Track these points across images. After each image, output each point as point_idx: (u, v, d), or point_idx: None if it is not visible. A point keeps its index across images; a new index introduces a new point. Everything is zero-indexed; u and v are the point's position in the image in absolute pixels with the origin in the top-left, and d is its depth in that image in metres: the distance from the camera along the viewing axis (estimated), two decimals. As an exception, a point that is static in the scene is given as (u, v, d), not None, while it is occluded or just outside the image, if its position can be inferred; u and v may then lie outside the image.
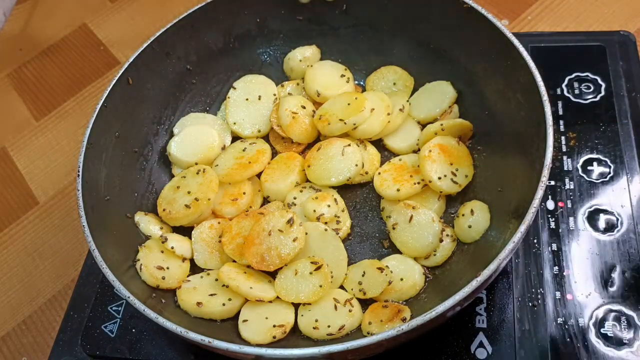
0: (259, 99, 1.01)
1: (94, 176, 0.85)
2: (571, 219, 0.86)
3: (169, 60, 0.99)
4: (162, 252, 0.85)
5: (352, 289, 0.82)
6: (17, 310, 1.01)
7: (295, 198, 0.91)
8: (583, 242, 0.84)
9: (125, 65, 0.91)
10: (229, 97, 1.01)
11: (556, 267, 0.82)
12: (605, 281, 0.80)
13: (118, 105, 0.90)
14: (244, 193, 0.92)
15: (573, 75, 0.99)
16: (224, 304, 0.80)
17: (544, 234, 0.85)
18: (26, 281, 1.04)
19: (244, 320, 0.79)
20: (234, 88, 1.02)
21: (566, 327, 0.78)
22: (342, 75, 1.01)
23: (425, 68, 0.99)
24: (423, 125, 0.96)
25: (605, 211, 0.86)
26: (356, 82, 1.04)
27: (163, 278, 0.82)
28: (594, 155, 0.91)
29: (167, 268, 0.83)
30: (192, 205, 0.87)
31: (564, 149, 0.92)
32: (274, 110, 0.98)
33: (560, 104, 0.97)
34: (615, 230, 0.84)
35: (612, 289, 0.79)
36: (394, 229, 0.85)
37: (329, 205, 0.87)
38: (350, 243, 0.89)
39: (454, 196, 0.88)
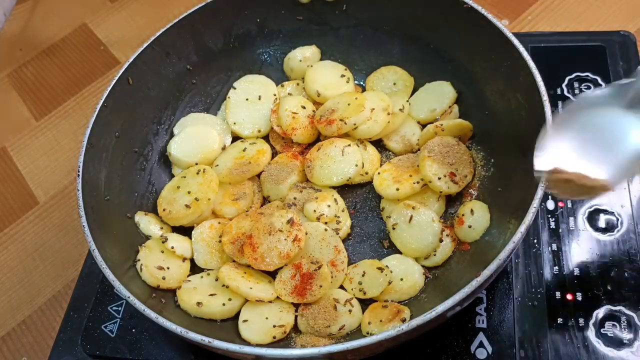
0: (259, 99, 1.01)
1: (94, 176, 0.85)
2: (571, 219, 0.86)
3: (169, 60, 0.99)
4: (163, 252, 0.85)
5: (352, 289, 0.82)
6: (17, 310, 1.01)
7: (295, 198, 0.91)
8: (583, 242, 0.84)
9: (125, 65, 0.91)
10: (229, 97, 1.01)
11: (556, 267, 0.82)
12: (605, 281, 0.80)
13: (118, 105, 0.90)
14: (244, 193, 0.92)
15: (573, 75, 0.99)
16: (224, 304, 0.80)
17: (544, 234, 0.85)
18: (26, 281, 1.04)
19: (244, 320, 0.79)
20: (234, 88, 1.02)
21: (566, 327, 0.78)
22: (342, 75, 1.01)
23: (425, 68, 0.99)
24: (423, 125, 0.96)
25: (605, 211, 0.86)
26: (356, 82, 1.04)
27: (163, 278, 0.82)
28: (594, 155, 0.91)
29: (168, 268, 0.83)
30: (192, 205, 0.87)
31: (564, 149, 0.92)
32: (274, 111, 0.98)
33: (560, 104, 0.97)
34: (615, 230, 0.84)
35: (612, 289, 0.79)
36: (394, 229, 0.85)
37: (329, 205, 0.87)
38: (350, 243, 0.89)
39: (454, 196, 0.88)
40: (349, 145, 0.91)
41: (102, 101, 0.87)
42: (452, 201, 0.89)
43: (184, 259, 0.87)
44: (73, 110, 1.27)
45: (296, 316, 0.80)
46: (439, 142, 0.88)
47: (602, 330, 0.77)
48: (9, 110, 1.30)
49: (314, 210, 0.86)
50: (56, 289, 1.02)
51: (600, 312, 0.78)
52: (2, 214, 1.14)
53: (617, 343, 0.76)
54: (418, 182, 0.86)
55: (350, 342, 0.62)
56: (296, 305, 0.81)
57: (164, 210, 0.89)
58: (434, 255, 0.83)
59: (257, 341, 0.76)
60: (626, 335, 0.76)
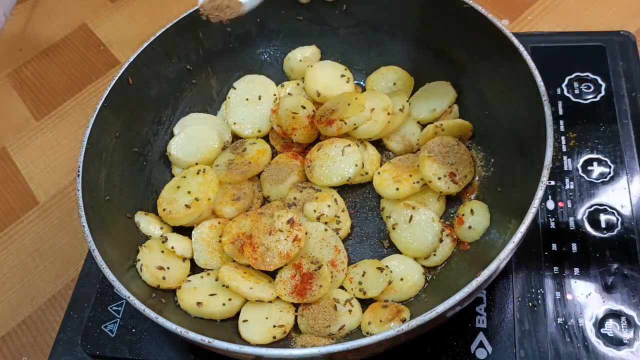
0: (259, 99, 1.01)
1: (94, 176, 0.85)
2: (571, 219, 0.86)
3: (169, 60, 0.99)
4: (163, 252, 0.85)
5: (352, 289, 0.82)
6: (17, 310, 1.01)
7: (295, 198, 0.91)
8: (583, 242, 0.84)
9: (125, 65, 0.91)
10: (229, 97, 1.01)
11: (556, 267, 0.82)
12: (605, 281, 0.80)
13: (118, 105, 0.90)
14: (244, 193, 0.92)
15: (573, 75, 0.99)
16: (224, 304, 0.80)
17: (544, 234, 0.85)
18: (26, 281, 1.04)
19: (244, 320, 0.79)
20: (234, 88, 1.02)
21: (566, 327, 0.78)
22: (342, 75, 1.01)
23: (425, 68, 0.99)
24: (423, 125, 0.96)
25: (605, 211, 0.86)
26: (356, 82, 1.04)
27: (163, 278, 0.82)
28: (594, 155, 0.91)
29: (168, 268, 0.83)
30: (192, 205, 0.87)
31: (564, 149, 0.92)
32: (274, 110, 0.98)
33: (560, 104, 0.97)
34: (615, 230, 0.84)
35: (612, 289, 0.79)
36: (394, 229, 0.85)
37: (329, 205, 0.87)
38: (350, 243, 0.89)
39: (454, 196, 0.88)
40: (349, 145, 0.92)
41: (102, 101, 0.87)
42: (452, 201, 0.89)
43: (184, 259, 0.87)
44: (73, 110, 1.27)
45: (296, 316, 0.80)
46: (439, 142, 0.88)
47: (602, 330, 0.77)
48: (9, 110, 1.30)
49: (314, 210, 0.86)
50: (56, 289, 1.02)
51: (600, 312, 0.78)
52: (2, 214, 1.14)
53: (617, 343, 0.76)
54: (418, 182, 0.86)
55: (350, 342, 0.62)
56: (296, 305, 0.81)
57: (164, 210, 0.89)
58: (434, 255, 0.83)
59: (257, 341, 0.76)
60: (626, 335, 0.76)
